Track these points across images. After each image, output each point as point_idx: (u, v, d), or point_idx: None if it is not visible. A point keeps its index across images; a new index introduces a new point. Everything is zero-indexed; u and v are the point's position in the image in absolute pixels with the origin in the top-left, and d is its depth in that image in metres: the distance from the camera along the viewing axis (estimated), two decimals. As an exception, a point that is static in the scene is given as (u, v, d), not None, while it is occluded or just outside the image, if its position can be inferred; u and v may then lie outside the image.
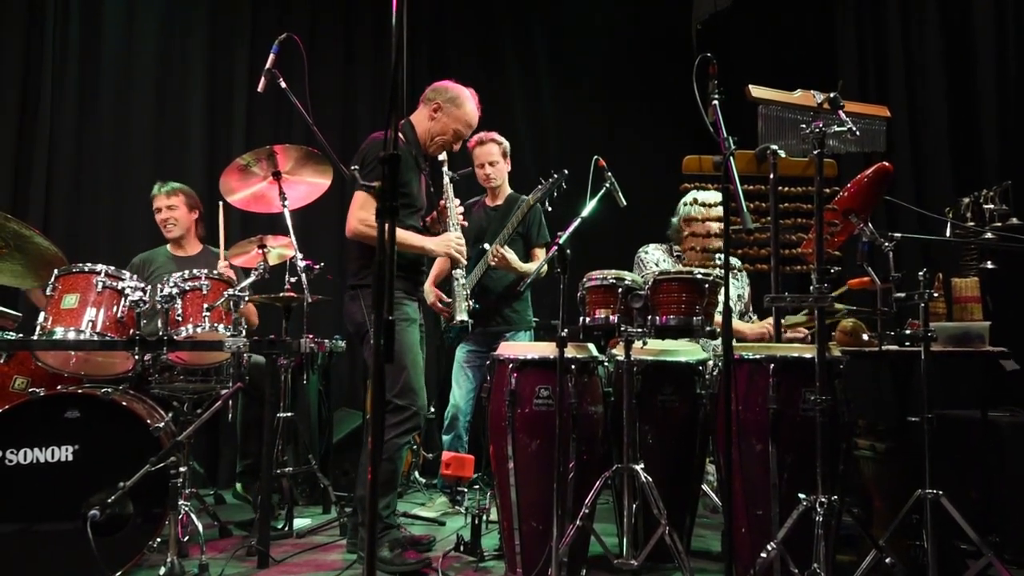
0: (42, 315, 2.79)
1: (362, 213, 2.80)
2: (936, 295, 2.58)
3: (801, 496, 2.20)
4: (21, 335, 3.10)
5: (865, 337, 2.80)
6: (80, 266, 2.84)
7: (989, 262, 2.88)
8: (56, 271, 2.85)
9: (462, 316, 3.06)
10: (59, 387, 2.85)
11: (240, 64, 4.90)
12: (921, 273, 2.31)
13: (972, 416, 2.85)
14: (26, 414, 2.52)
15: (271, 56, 3.01)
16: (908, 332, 2.47)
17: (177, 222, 3.82)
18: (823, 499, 2.13)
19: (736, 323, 3.53)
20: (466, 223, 3.10)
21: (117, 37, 4.70)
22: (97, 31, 4.64)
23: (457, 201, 3.08)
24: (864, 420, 2.87)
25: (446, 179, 3.08)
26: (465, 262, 3.03)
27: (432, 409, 4.21)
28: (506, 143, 3.83)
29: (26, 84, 4.46)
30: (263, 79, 3.01)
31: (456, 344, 3.86)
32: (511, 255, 3.59)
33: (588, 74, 5.63)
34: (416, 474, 4.28)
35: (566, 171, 3.46)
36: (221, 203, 3.54)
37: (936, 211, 3.08)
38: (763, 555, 2.24)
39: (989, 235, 2.84)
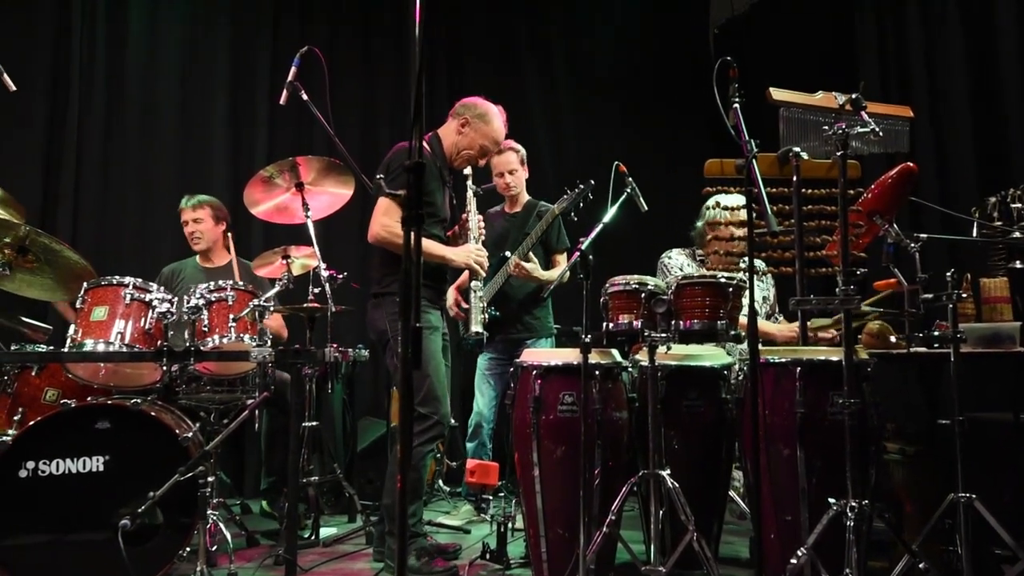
0: (72, 328, 2.83)
1: (385, 219, 2.82)
2: (964, 296, 2.54)
3: (831, 501, 2.17)
4: (52, 347, 3.15)
5: (893, 339, 2.77)
6: (108, 279, 2.88)
7: (1018, 261, 2.83)
8: (85, 284, 2.89)
9: (477, 328, 3.07)
10: (89, 398, 2.89)
11: (262, 73, 4.95)
12: (949, 274, 2.28)
13: (1004, 418, 2.80)
14: (58, 425, 2.57)
15: (292, 69, 3.05)
16: (936, 334, 2.43)
17: (203, 235, 3.87)
18: (853, 503, 2.11)
19: (764, 324, 3.49)
20: (485, 236, 3.11)
21: (140, 52, 4.77)
22: (122, 44, 4.72)
23: (479, 217, 3.09)
24: (893, 423, 2.82)
25: (469, 192, 3.09)
26: (484, 274, 3.05)
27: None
28: (523, 150, 3.83)
29: (54, 101, 4.54)
30: (285, 92, 3.04)
31: (475, 351, 3.86)
32: (531, 265, 3.58)
33: (606, 79, 5.62)
34: (440, 482, 4.28)
35: (592, 181, 3.44)
36: (229, 233, 3.83)
37: (962, 211, 3.04)
38: (793, 561, 2.21)
39: (1017, 234, 2.80)
